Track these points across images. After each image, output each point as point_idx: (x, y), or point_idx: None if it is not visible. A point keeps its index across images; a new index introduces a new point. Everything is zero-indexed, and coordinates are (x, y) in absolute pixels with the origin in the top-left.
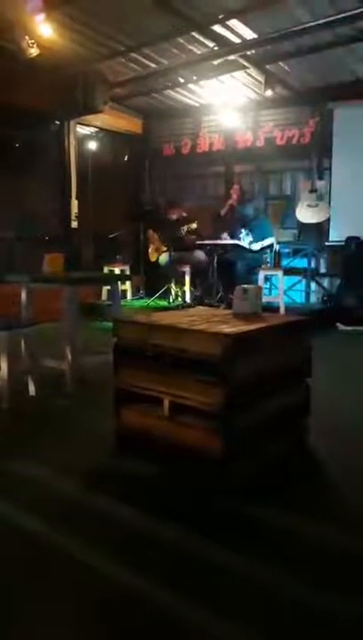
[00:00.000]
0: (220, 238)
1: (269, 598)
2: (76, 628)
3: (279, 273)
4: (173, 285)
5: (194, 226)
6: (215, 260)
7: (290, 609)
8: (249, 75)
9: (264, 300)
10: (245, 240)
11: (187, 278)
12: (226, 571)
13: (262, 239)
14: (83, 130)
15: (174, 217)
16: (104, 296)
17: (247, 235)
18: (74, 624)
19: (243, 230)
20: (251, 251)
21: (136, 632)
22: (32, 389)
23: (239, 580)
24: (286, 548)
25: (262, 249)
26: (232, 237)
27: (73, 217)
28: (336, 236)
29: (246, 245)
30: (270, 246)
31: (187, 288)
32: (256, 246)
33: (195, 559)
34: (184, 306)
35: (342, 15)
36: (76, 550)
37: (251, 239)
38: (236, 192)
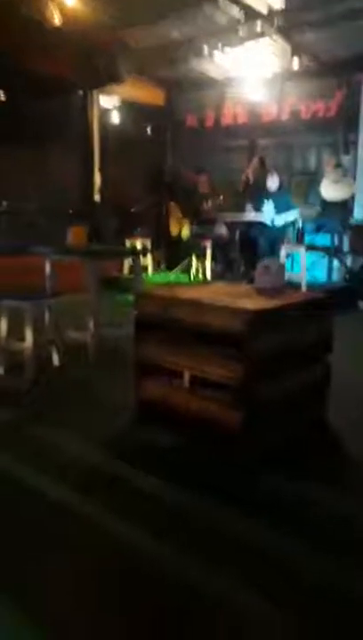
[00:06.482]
0: (243, 212)
1: (287, 570)
2: (95, 595)
3: (302, 249)
4: (194, 260)
5: (220, 200)
6: (237, 236)
7: (310, 581)
8: (275, 45)
9: (286, 276)
10: (267, 211)
11: (208, 253)
12: (245, 540)
13: (287, 210)
14: (106, 101)
15: (201, 182)
16: (126, 269)
17: (270, 205)
18: (94, 591)
19: (265, 201)
20: (274, 227)
21: (155, 598)
22: (56, 359)
23: (257, 551)
24: (304, 519)
25: (285, 224)
26: (256, 211)
27: (96, 190)
28: (361, 213)
29: (269, 222)
30: (294, 222)
31: (208, 263)
32: (279, 220)
33: (214, 528)
34: (205, 281)
35: None
36: (97, 517)
37: (274, 211)
38: (252, 166)
